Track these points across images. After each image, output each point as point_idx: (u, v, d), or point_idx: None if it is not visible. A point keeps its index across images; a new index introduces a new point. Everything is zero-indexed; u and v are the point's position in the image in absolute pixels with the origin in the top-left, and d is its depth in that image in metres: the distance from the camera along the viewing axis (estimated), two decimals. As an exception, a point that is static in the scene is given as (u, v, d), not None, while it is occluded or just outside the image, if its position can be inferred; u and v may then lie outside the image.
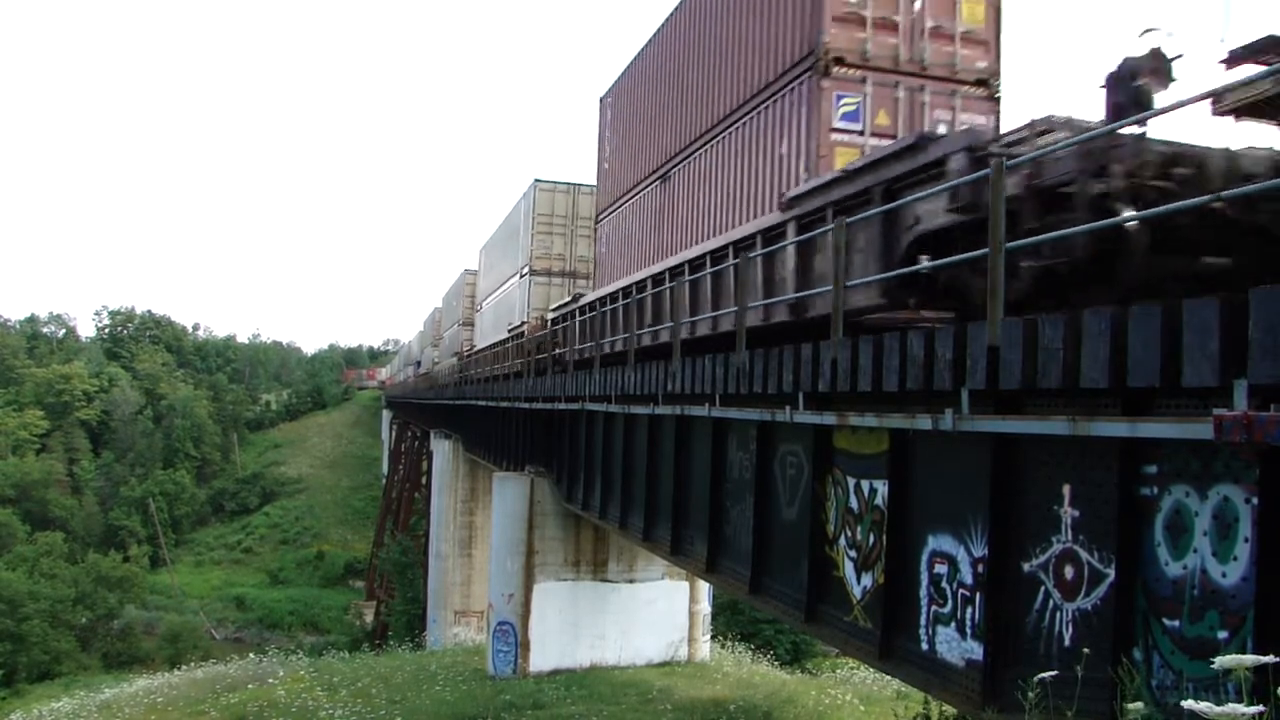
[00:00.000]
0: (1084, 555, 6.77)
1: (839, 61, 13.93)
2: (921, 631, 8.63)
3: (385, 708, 20.97)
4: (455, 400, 43.52)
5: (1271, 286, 5.18)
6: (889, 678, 13.67)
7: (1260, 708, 2.85)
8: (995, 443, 7.52)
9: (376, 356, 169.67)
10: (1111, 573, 6.50)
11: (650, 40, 23.17)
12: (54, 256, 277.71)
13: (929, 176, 10.18)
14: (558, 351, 25.53)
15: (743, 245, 15.29)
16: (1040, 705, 5.89)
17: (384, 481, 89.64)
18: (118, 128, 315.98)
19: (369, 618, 65.53)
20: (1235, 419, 5.09)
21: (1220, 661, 3.04)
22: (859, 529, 9.72)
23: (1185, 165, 7.85)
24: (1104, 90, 8.93)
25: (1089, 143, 7.72)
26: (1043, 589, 7.15)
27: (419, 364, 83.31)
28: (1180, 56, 8.55)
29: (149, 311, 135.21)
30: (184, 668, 33.58)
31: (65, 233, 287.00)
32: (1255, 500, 5.52)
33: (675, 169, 20.33)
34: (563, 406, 21.43)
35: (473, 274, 53.70)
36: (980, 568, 7.82)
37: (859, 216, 10.66)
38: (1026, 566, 7.30)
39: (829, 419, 9.75)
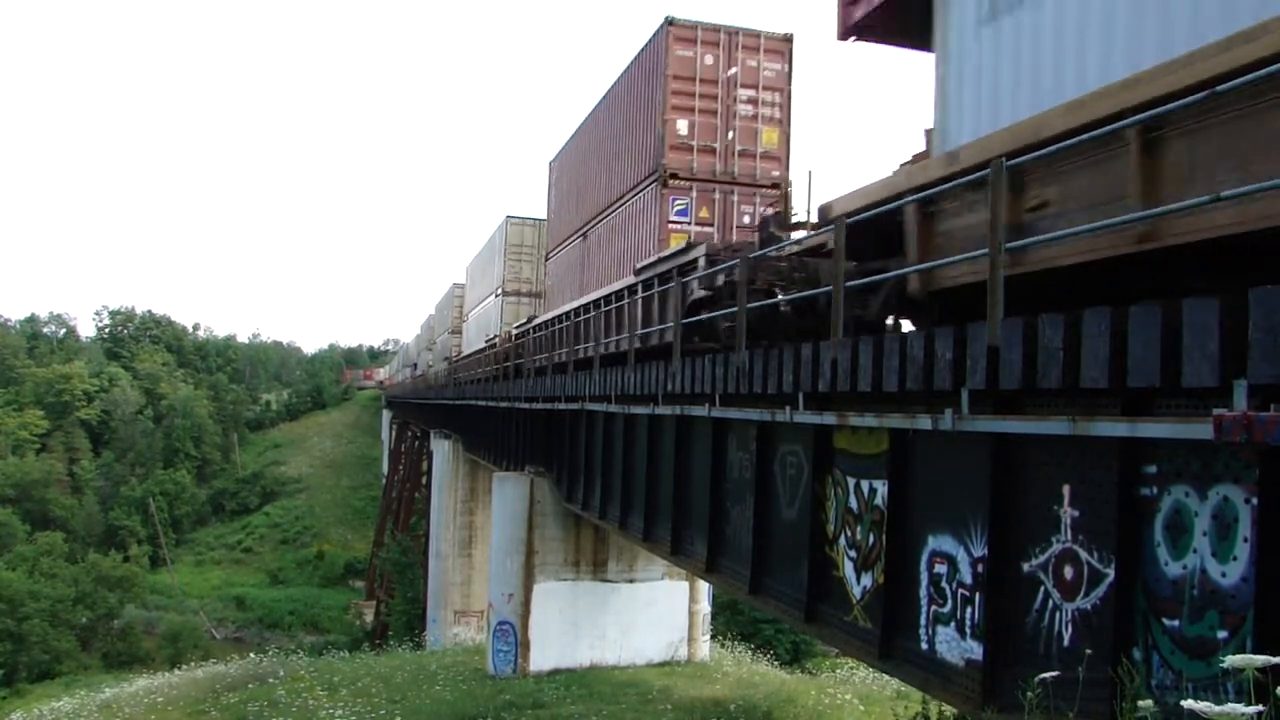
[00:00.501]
0: (1084, 555, 6.77)
1: (674, 176, 20.86)
2: (921, 631, 8.64)
3: (385, 707, 20.98)
4: (455, 400, 43.61)
5: (1271, 287, 5.17)
6: (889, 677, 13.67)
7: (1260, 708, 2.85)
8: (995, 443, 7.52)
9: (377, 356, 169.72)
10: (1111, 573, 6.50)
11: (580, 126, 29.43)
12: (54, 256, 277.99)
13: (693, 265, 16.52)
14: (519, 361, 29.97)
15: (620, 294, 21.59)
16: (1040, 705, 5.89)
17: (384, 481, 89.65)
18: (119, 128, 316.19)
19: (369, 617, 65.53)
20: (1235, 419, 5.08)
21: (1230, 661, 3.05)
22: (859, 529, 9.73)
23: (800, 270, 13.38)
24: (758, 232, 17.93)
25: (751, 257, 12.51)
26: (1042, 589, 7.15)
27: (415, 366, 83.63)
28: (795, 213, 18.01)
29: (149, 311, 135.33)
30: (184, 667, 33.58)
31: (66, 233, 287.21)
32: (1255, 500, 5.52)
33: (590, 230, 26.95)
34: (563, 406, 21.43)
35: (460, 287, 59.91)
36: (980, 568, 7.82)
37: (664, 287, 17.55)
38: (1026, 566, 7.30)
39: (829, 419, 9.75)
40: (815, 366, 9.77)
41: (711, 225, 20.84)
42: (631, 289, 20.20)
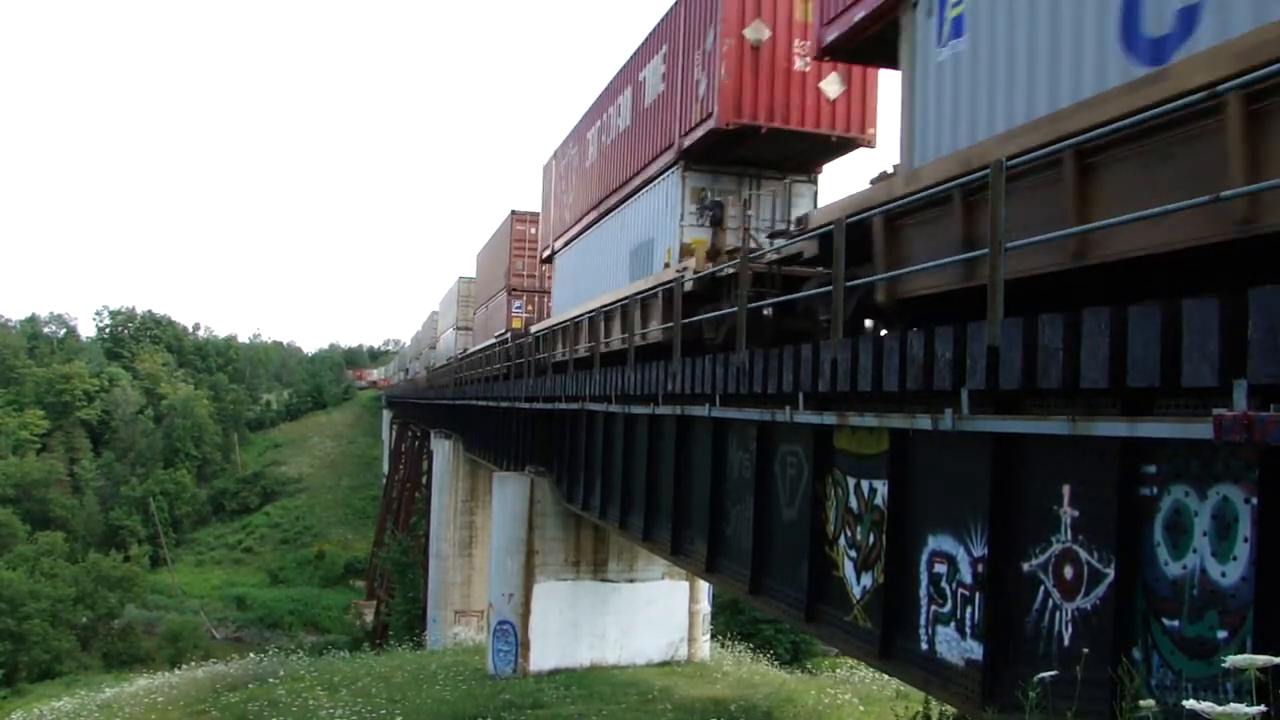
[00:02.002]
0: (1084, 555, 6.77)
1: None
2: (921, 631, 8.64)
3: (385, 707, 20.98)
4: (455, 400, 43.59)
5: (1272, 287, 5.17)
6: (889, 677, 13.67)
7: (1262, 708, 2.85)
8: (995, 442, 7.52)
9: (377, 356, 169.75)
10: (1111, 572, 6.50)
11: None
12: (55, 257, 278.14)
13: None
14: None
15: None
16: (1040, 705, 5.89)
17: (384, 481, 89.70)
18: (120, 128, 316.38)
19: (369, 617, 65.60)
20: (1235, 419, 5.08)
21: (1232, 661, 3.04)
22: (859, 529, 9.73)
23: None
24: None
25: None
26: (1042, 589, 7.15)
27: (406, 370, 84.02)
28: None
29: (149, 311, 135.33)
30: (184, 667, 33.59)
31: (66, 233, 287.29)
32: (1255, 500, 5.52)
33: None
34: (563, 406, 21.42)
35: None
36: (980, 567, 7.82)
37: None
38: (1026, 566, 7.30)
39: (829, 419, 9.75)
40: (815, 366, 9.77)
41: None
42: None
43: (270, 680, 25.25)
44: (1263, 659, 2.96)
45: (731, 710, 19.45)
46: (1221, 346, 5.39)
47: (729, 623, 38.94)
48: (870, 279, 9.98)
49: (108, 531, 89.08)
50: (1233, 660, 3.03)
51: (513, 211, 42.24)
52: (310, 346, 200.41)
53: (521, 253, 41.85)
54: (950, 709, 11.82)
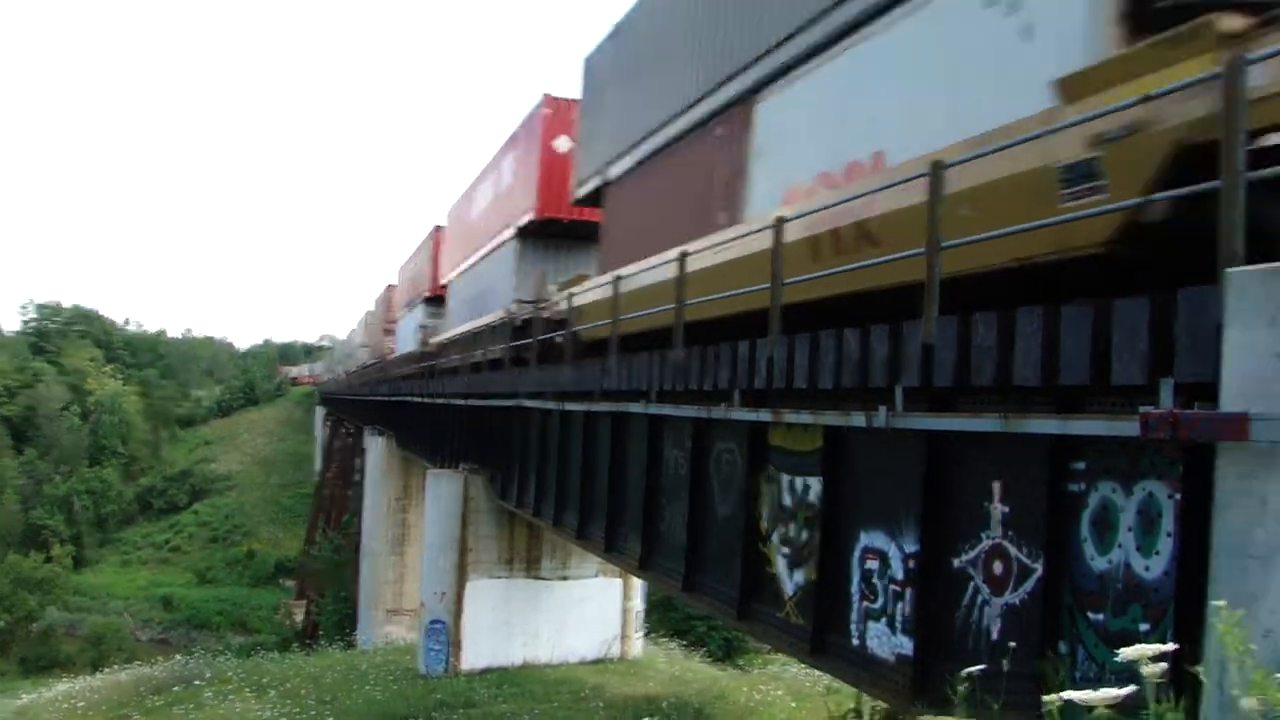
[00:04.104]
0: (1013, 550, 6.86)
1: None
2: (853, 627, 8.70)
3: (315, 708, 20.71)
4: (390, 397, 43.25)
5: (1198, 288, 5.27)
6: (821, 673, 13.75)
7: (1132, 688, 2.94)
8: (928, 439, 7.60)
9: (311, 352, 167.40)
10: (1039, 567, 6.59)
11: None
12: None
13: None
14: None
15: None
16: (969, 699, 5.95)
17: (316, 479, 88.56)
18: (47, 117, 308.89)
19: (299, 617, 64.64)
20: (1161, 417, 5.16)
21: (1124, 654, 3.10)
22: (792, 526, 9.77)
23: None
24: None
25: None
26: (972, 584, 7.23)
27: (340, 367, 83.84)
28: None
29: (77, 306, 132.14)
30: (107, 670, 32.93)
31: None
32: (1178, 496, 5.64)
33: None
34: (499, 403, 21.32)
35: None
36: (911, 563, 7.90)
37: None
38: (956, 562, 7.39)
39: (764, 416, 9.79)
40: (751, 364, 9.81)
41: None
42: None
43: (196, 683, 24.78)
44: (1151, 648, 3.02)
45: (663, 708, 19.46)
46: (1149, 346, 5.49)
47: (662, 620, 38.92)
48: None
49: (28, 532, 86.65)
50: (1124, 653, 3.08)
51: (436, 226, 45.85)
52: (243, 342, 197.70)
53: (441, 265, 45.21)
54: (881, 704, 11.92)
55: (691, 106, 15.30)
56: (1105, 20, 7.26)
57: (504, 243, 28.24)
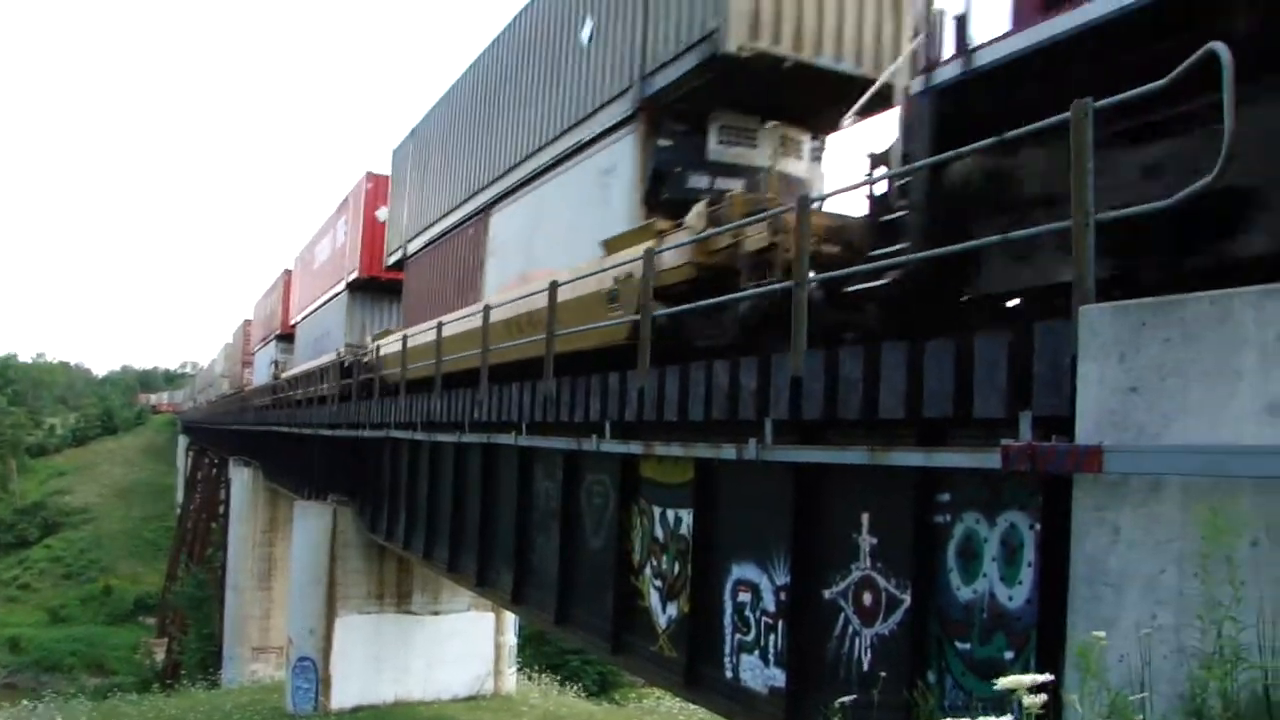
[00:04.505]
0: (881, 582, 6.91)
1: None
2: (726, 660, 8.67)
3: (174, 753, 19.88)
4: (256, 426, 42.14)
5: (1054, 322, 5.40)
6: (696, 707, 13.71)
7: (1009, 717, 2.97)
8: (797, 472, 7.62)
9: (174, 379, 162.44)
10: (907, 598, 6.65)
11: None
12: None
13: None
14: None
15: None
16: (840, 730, 5.95)
17: (178, 511, 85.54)
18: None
19: (160, 656, 62.14)
20: (1021, 449, 5.27)
21: (1001, 683, 3.12)
22: (664, 558, 9.72)
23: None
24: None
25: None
26: (843, 615, 7.27)
27: (204, 395, 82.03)
28: None
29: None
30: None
31: None
32: (1038, 526, 5.74)
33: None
34: (368, 434, 20.87)
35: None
36: (783, 595, 7.91)
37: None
38: (827, 593, 7.42)
39: (635, 448, 9.74)
40: (622, 395, 9.76)
41: None
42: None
43: (45, 728, 23.60)
44: (1029, 678, 3.05)
45: (538, 742, 19.21)
46: (1009, 380, 5.59)
47: (536, 654, 38.48)
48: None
49: None
50: (1001, 682, 3.11)
51: (286, 270, 49.03)
52: (101, 368, 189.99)
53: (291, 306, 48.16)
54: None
55: (458, 207, 20.63)
56: (637, 202, 12.62)
57: (337, 294, 33.38)
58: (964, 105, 7.44)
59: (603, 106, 13.78)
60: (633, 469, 10.26)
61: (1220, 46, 4.77)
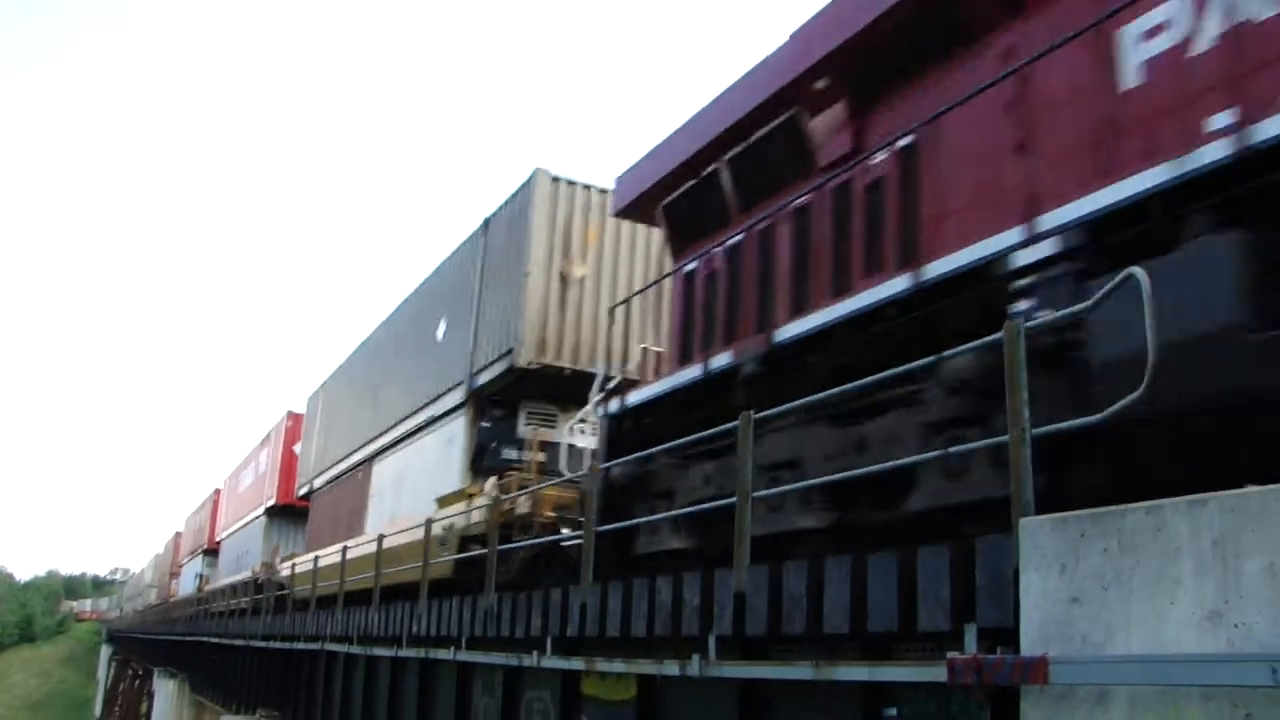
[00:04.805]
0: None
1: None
2: None
3: None
4: (185, 636, 40.83)
5: (995, 536, 5.44)
6: None
7: None
8: (742, 687, 7.47)
9: (102, 585, 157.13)
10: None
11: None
12: None
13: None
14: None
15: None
16: None
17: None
18: None
19: None
20: (966, 662, 5.22)
21: None
22: (607, 779, 9.37)
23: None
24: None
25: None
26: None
27: (116, 601, 79.87)
28: None
29: None
30: None
31: None
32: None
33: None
34: (301, 646, 20.22)
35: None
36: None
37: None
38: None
39: (577, 664, 9.51)
40: (564, 611, 9.62)
41: None
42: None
43: None
44: None
45: None
46: (953, 592, 5.58)
47: None
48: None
49: None
50: None
51: (216, 489, 52.00)
52: (24, 573, 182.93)
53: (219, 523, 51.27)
54: None
55: (351, 454, 24.92)
56: (466, 467, 16.75)
57: (257, 517, 37.50)
58: (621, 426, 11.87)
59: (448, 391, 18.10)
60: (574, 685, 9.98)
61: (1139, 271, 5.03)
